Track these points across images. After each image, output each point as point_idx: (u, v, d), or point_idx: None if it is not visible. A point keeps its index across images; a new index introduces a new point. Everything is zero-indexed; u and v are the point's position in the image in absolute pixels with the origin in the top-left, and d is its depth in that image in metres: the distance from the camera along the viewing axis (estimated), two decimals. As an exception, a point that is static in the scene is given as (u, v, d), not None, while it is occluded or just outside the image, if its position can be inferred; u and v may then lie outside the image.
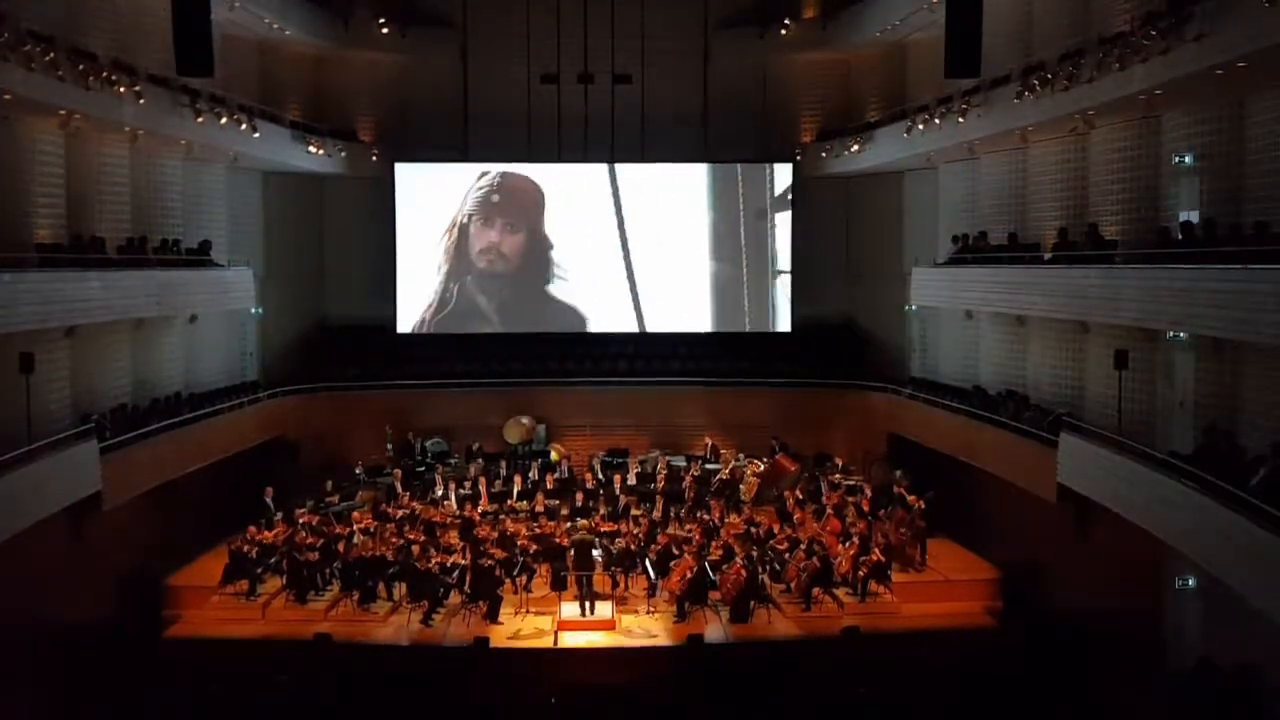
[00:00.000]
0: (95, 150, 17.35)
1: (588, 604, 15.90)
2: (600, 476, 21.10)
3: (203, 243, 19.76)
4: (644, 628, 15.76)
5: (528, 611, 16.15)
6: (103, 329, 17.13)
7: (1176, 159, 14.96)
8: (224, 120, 19.19)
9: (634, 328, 24.63)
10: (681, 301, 24.56)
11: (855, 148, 23.16)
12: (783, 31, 24.30)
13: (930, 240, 21.70)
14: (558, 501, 19.63)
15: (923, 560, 17.69)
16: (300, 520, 17.73)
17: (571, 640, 15.39)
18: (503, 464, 21.66)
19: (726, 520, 18.60)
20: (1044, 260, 17.62)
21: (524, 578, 16.56)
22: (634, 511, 19.16)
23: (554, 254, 24.45)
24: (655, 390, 23.46)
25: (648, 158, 24.31)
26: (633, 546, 16.71)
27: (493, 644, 15.05)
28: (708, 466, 21.44)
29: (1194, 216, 14.58)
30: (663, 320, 24.62)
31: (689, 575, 15.87)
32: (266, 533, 17.12)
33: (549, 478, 20.50)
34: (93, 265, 16.31)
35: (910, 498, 18.13)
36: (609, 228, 24.38)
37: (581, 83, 24.07)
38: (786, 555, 16.92)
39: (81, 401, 16.65)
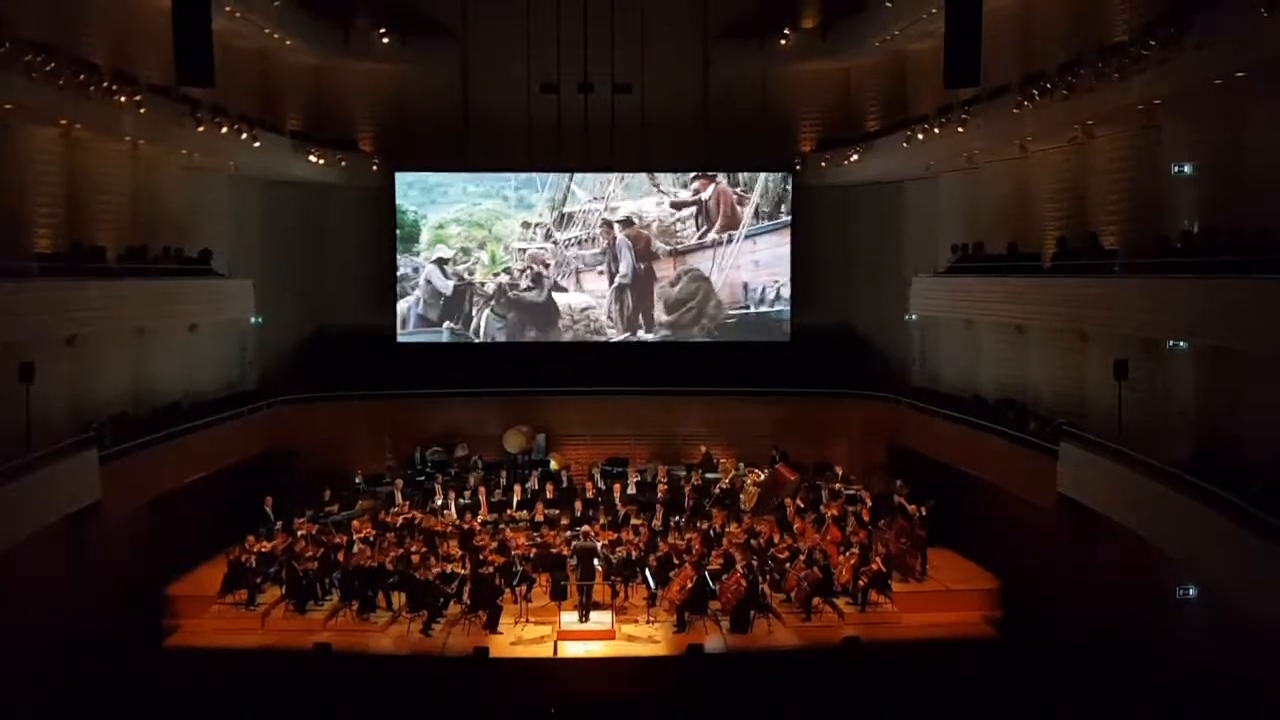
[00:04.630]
0: (95, 159, 17.35)
1: (583, 612, 15.87)
2: (600, 485, 21.05)
3: (203, 252, 19.73)
4: (644, 637, 15.71)
5: (527, 621, 16.10)
6: (103, 338, 17.10)
7: (1176, 168, 14.99)
8: (224, 130, 19.21)
9: (633, 336, 24.64)
10: (681, 310, 24.56)
11: (855, 157, 23.15)
12: (782, 41, 24.32)
13: (930, 249, 21.71)
14: (558, 511, 19.59)
15: (923, 570, 17.64)
16: (299, 530, 17.66)
17: (571, 650, 15.35)
18: (502, 473, 21.62)
19: (726, 530, 18.56)
20: (1043, 269, 17.65)
21: (523, 587, 16.52)
22: (634, 521, 19.12)
23: (553, 263, 24.50)
24: (655, 400, 23.39)
25: (647, 166, 24.33)
26: (633, 555, 16.69)
27: (492, 654, 15.02)
28: (708, 476, 21.41)
29: (1194, 225, 14.60)
30: (662, 329, 24.64)
31: (689, 585, 15.84)
32: (265, 542, 17.06)
33: (549, 487, 20.46)
34: (93, 274, 16.30)
35: (910, 507, 18.09)
36: (608, 232, 24.42)
37: (582, 92, 24.06)
38: (787, 565, 16.88)
39: (81, 410, 16.61)
